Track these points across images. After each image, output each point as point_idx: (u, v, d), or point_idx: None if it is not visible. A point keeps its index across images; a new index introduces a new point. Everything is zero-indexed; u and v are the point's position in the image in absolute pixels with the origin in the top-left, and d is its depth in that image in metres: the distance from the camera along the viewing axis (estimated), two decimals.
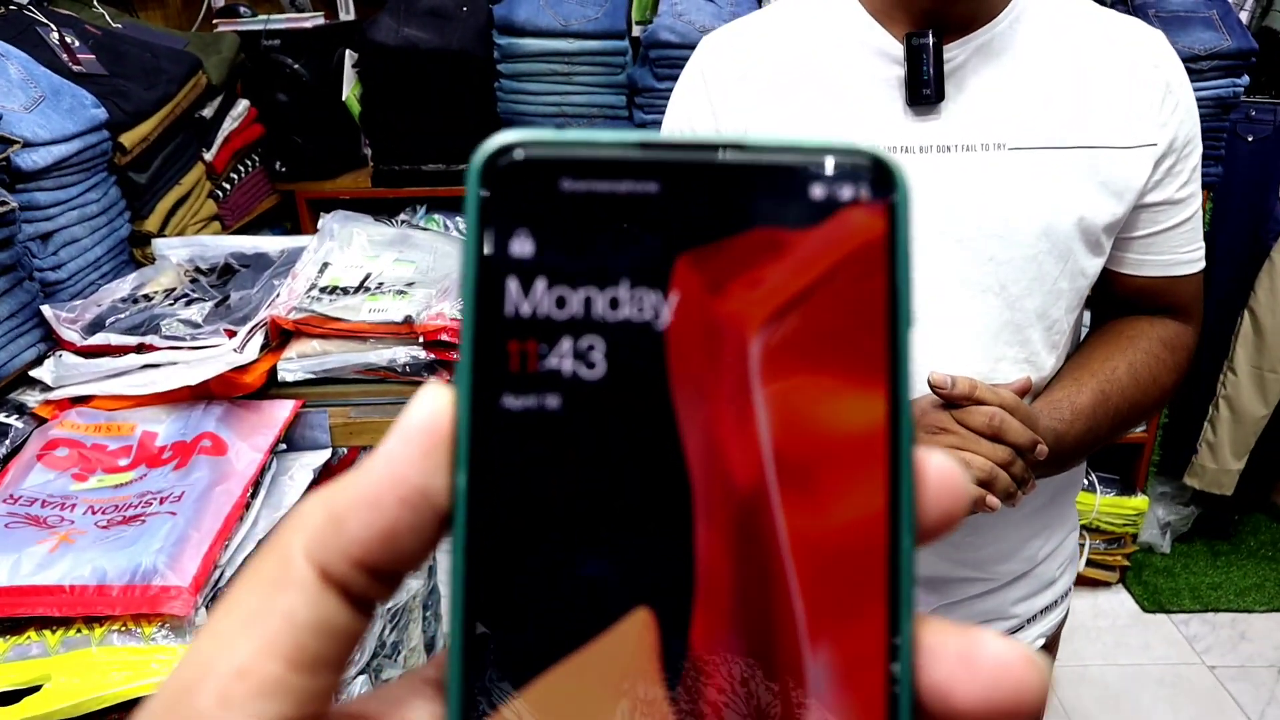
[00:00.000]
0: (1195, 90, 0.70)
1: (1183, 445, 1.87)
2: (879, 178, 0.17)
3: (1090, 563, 1.84)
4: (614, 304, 0.16)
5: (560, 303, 0.17)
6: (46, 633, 0.68)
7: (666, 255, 0.16)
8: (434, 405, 0.17)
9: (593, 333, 0.16)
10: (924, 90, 0.65)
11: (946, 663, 0.16)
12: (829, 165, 0.17)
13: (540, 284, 0.16)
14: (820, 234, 0.16)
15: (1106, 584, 1.87)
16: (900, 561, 0.16)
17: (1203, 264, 0.74)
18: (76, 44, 1.23)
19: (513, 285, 0.16)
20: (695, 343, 0.16)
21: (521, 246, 0.16)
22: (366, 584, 0.17)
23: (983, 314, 0.68)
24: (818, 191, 0.16)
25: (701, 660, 0.16)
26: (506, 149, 0.17)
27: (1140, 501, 1.81)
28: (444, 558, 0.17)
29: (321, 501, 0.17)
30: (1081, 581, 1.83)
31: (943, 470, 0.17)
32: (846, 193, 0.16)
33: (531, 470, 0.16)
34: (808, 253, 0.16)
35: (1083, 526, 1.79)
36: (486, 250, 0.16)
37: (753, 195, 0.17)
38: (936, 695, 0.16)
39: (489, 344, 0.16)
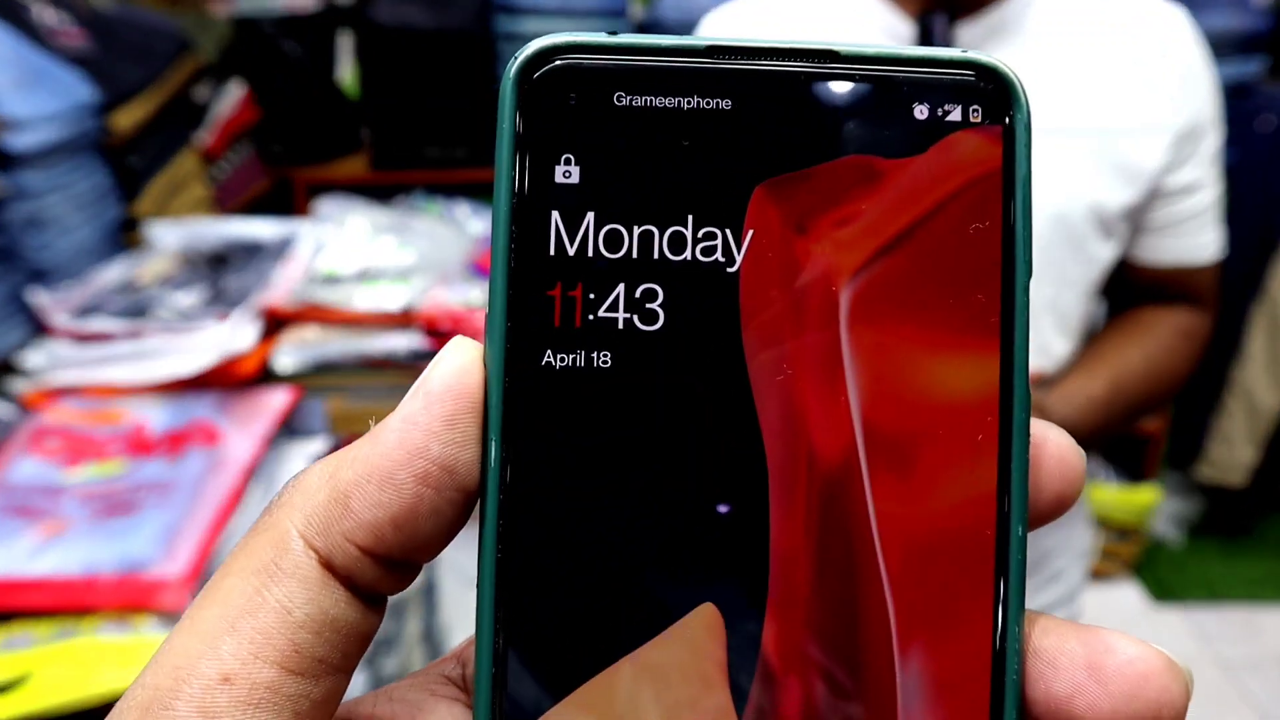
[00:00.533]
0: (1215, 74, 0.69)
1: (1194, 436, 1.85)
2: (995, 95, 0.14)
3: (1100, 554, 1.82)
4: (677, 244, 0.14)
5: (613, 242, 0.14)
6: (35, 625, 0.66)
7: (741, 185, 0.14)
8: (461, 363, 0.14)
9: (651, 278, 0.14)
10: None
11: (1070, 672, 0.13)
12: (936, 79, 0.14)
13: (588, 219, 0.14)
14: (924, 163, 0.14)
15: (1116, 576, 1.85)
16: (1009, 551, 0.14)
17: (1221, 252, 0.72)
18: (66, 24, 1.20)
19: (555, 220, 0.14)
20: (773, 291, 0.14)
21: (566, 173, 0.14)
22: (375, 574, 0.14)
23: None
24: (922, 111, 0.14)
25: (775, 663, 0.14)
26: (547, 54, 0.14)
27: (1151, 493, 1.79)
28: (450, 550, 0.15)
29: (325, 476, 0.14)
30: (1091, 573, 1.81)
31: (1061, 447, 0.14)
32: (956, 113, 0.14)
33: (575, 442, 0.14)
34: (909, 185, 0.13)
35: (1093, 519, 1.77)
36: (523, 178, 0.13)
37: (845, 115, 0.14)
38: (1056, 710, 0.13)
39: (527, 291, 0.14)
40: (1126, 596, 1.82)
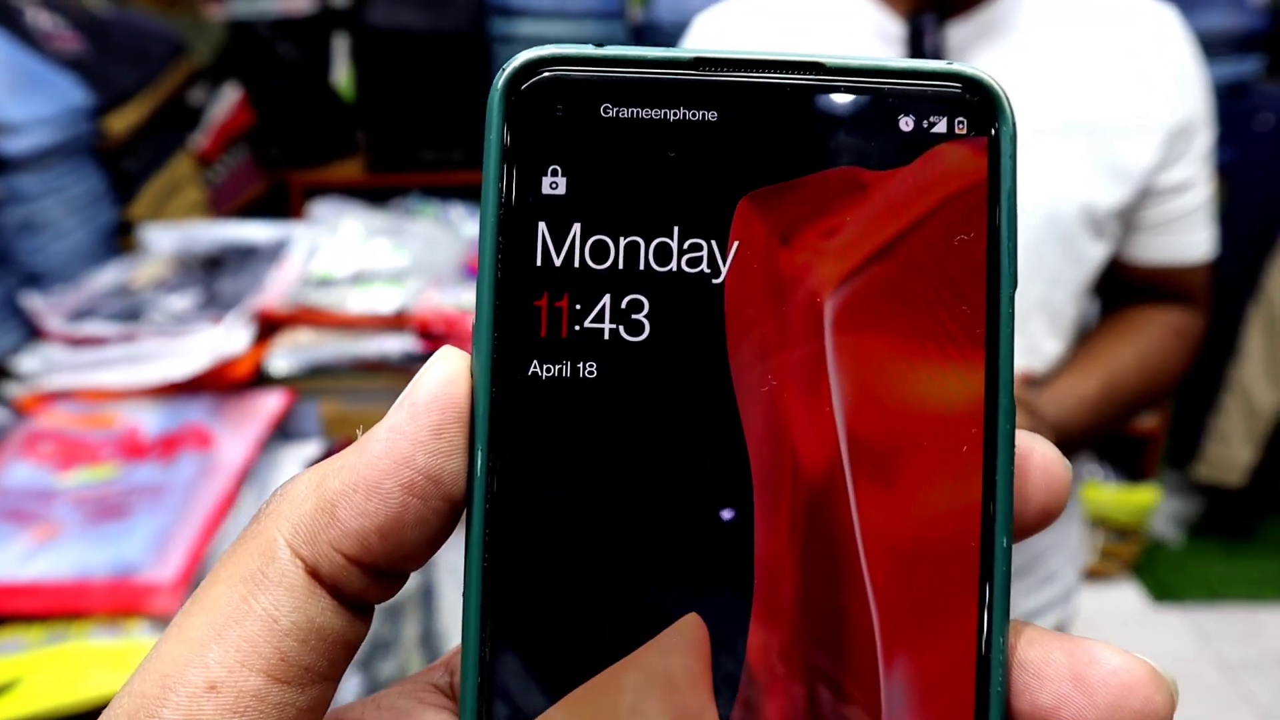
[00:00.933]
0: (1206, 72, 0.68)
1: (1194, 436, 1.85)
2: (981, 107, 0.14)
3: (1099, 555, 1.82)
4: (663, 255, 0.14)
5: (599, 253, 0.14)
6: (27, 629, 0.66)
7: (726, 197, 0.14)
8: (448, 373, 0.14)
9: (637, 289, 0.14)
10: None
11: (1055, 683, 0.13)
12: (921, 91, 0.14)
13: (575, 230, 0.14)
14: (910, 175, 0.14)
15: (1116, 576, 1.85)
16: (994, 563, 0.14)
17: (1213, 251, 0.72)
18: (60, 28, 1.20)
19: (542, 231, 0.14)
20: (758, 302, 0.14)
21: (553, 185, 0.14)
22: (362, 583, 0.14)
23: None
24: (907, 123, 0.14)
25: (760, 674, 0.14)
26: (534, 66, 0.14)
27: (1150, 493, 1.78)
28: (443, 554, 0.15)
29: (312, 485, 0.14)
30: (1090, 574, 1.81)
31: (1047, 459, 0.14)
32: (942, 125, 0.14)
33: (561, 452, 0.14)
34: (895, 197, 0.14)
35: (1092, 519, 1.77)
36: (510, 189, 0.14)
37: (830, 127, 0.14)
38: None
39: (513, 302, 0.14)
40: (1126, 597, 1.82)
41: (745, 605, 0.14)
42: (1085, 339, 0.73)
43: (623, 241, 0.14)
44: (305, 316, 0.95)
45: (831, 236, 0.14)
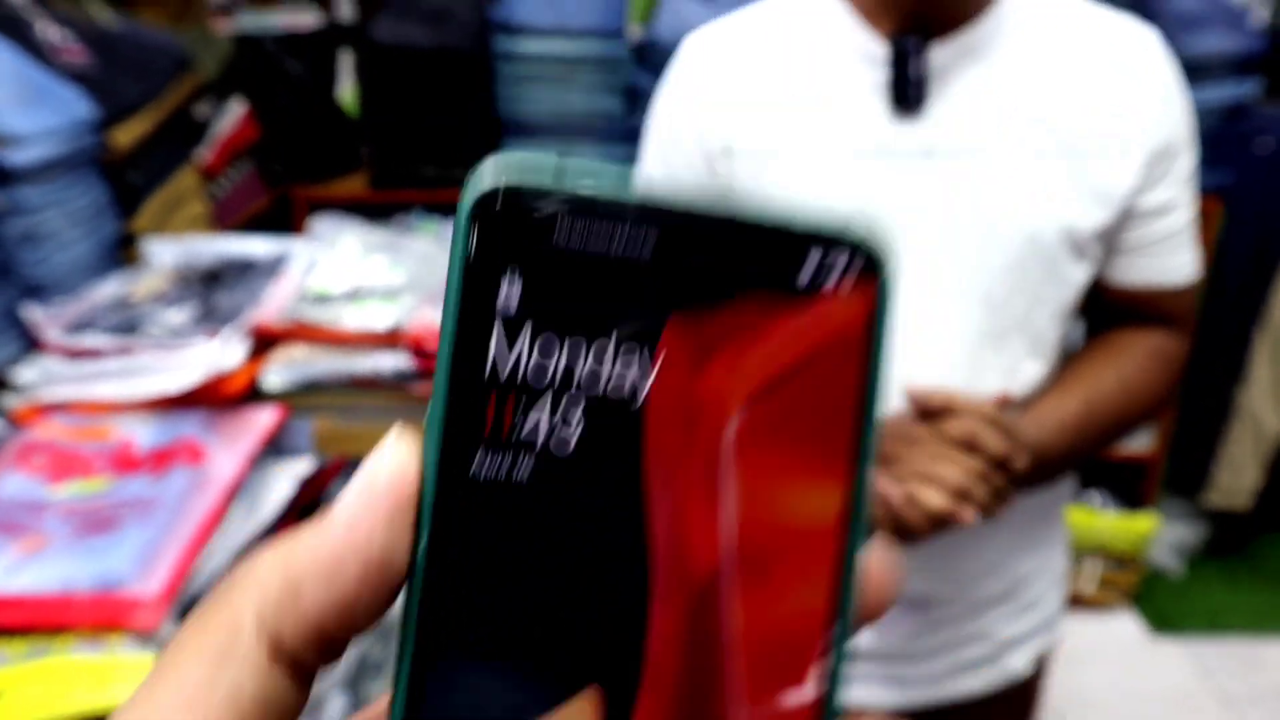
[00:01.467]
0: (1204, 95, 0.69)
1: (1194, 461, 1.83)
2: (870, 257, 0.16)
3: (1097, 584, 1.80)
4: (597, 370, 0.16)
5: (542, 368, 0.16)
6: (9, 642, 0.66)
7: (654, 322, 0.16)
8: (399, 463, 0.16)
9: (573, 401, 0.16)
10: (908, 94, 0.64)
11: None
12: (821, 241, 0.16)
13: (524, 341, 0.16)
14: (805, 311, 0.16)
15: (1114, 606, 1.83)
16: (837, 657, 0.16)
17: (1196, 274, 0.72)
18: (68, 41, 1.22)
19: (496, 340, 0.16)
20: (674, 417, 0.16)
21: (509, 298, 0.15)
22: (316, 658, 0.16)
23: (964, 321, 0.67)
24: (809, 265, 0.16)
25: None
26: (495, 191, 0.16)
27: (1149, 520, 1.77)
28: None
29: (278, 565, 0.16)
30: (1088, 604, 1.79)
31: (883, 564, 0.17)
32: (836, 269, 0.16)
33: (493, 541, 0.16)
34: (790, 331, 0.16)
35: (1089, 547, 1.75)
36: (472, 300, 0.15)
37: (743, 263, 0.16)
38: None
39: (465, 401, 0.16)
40: (1125, 627, 1.80)
41: (635, 682, 0.16)
42: (1068, 361, 0.73)
43: (565, 355, 0.16)
44: (300, 332, 0.95)
45: (739, 362, 0.16)
